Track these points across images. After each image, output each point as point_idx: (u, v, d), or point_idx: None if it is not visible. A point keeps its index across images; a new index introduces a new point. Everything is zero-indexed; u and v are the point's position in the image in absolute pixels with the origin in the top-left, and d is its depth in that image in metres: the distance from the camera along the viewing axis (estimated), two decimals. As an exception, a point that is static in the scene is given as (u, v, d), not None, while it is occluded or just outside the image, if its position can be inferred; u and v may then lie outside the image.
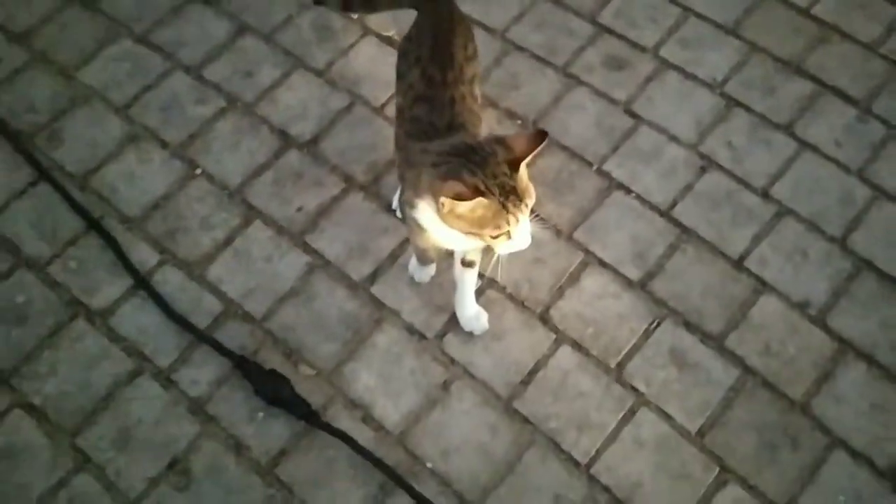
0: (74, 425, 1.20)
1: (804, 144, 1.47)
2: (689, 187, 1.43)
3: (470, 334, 1.27)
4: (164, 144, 1.47)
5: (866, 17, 1.63)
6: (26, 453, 1.18)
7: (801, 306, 1.30)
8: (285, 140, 1.47)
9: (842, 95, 1.53)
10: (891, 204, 1.40)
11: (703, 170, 1.45)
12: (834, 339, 1.28)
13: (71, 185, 1.41)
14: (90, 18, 1.62)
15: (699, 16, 1.64)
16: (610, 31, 1.62)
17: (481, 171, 0.96)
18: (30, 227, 1.37)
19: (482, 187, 0.95)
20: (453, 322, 1.29)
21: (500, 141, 1.00)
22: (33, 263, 1.34)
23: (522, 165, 0.98)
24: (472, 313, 1.27)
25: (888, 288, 1.32)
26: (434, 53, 1.15)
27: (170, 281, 1.32)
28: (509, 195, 0.96)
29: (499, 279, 1.31)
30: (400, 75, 1.21)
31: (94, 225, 1.36)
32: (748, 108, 1.52)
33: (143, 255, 1.35)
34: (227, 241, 1.36)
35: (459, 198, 0.94)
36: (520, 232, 0.99)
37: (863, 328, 1.28)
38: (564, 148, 1.47)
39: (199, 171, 1.44)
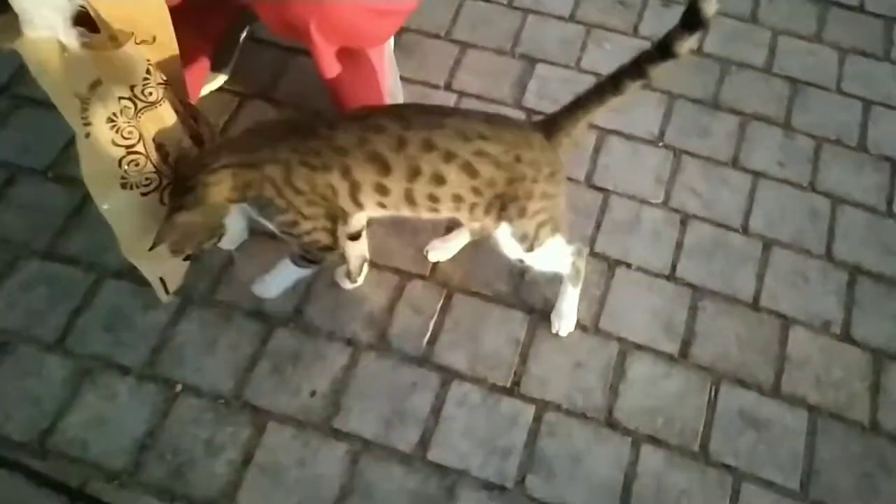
0: None
1: (755, 174, 1.55)
2: (679, 245, 1.44)
3: (549, 471, 1.17)
4: (124, 370, 1.24)
5: (750, 45, 1.76)
6: None
7: (825, 328, 1.35)
8: (265, 321, 1.30)
9: (763, 119, 1.63)
10: (850, 207, 1.50)
11: (682, 224, 1.47)
12: (865, 350, 1.32)
13: (27, 457, 1.15)
14: (-26, 248, 1.36)
15: (611, 78, 1.69)
16: (540, 113, 1.62)
17: None
18: (-9, 528, 1.10)
19: None
20: (526, 461, 1.18)
21: None
22: (11, 572, 1.07)
23: None
24: None
25: (885, 286, 1.39)
26: None
27: (197, 531, 1.10)
28: None
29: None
30: None
31: (77, 497, 1.11)
32: (693, 154, 1.57)
33: (152, 512, 1.12)
34: (246, 460, 1.17)
35: None
36: None
37: (883, 331, 1.34)
38: (550, 241, 1.43)
39: (179, 387, 1.23)
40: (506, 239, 1.16)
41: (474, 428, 1.21)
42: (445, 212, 1.14)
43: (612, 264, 1.41)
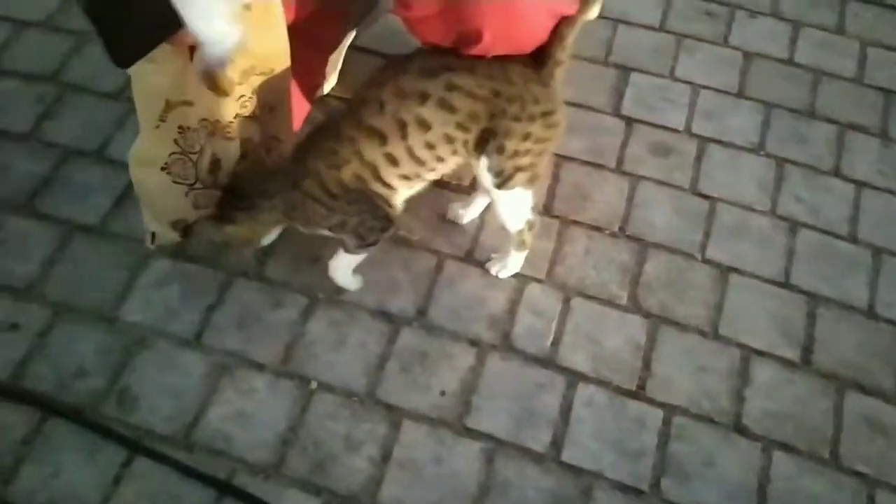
0: None
1: (857, 183, 1.56)
2: (790, 252, 1.46)
3: (683, 474, 1.19)
4: (259, 367, 1.27)
5: (838, 55, 1.79)
6: None
7: (942, 336, 1.36)
8: (390, 321, 1.33)
9: (859, 129, 1.65)
10: (957, 219, 1.51)
11: (792, 231, 1.49)
12: (983, 358, 1.34)
13: (173, 449, 1.18)
14: (105, 247, 1.39)
15: (705, 87, 1.72)
16: (638, 121, 1.65)
17: None
18: (145, 517, 1.12)
19: None
20: (659, 464, 1.20)
21: None
22: (166, 561, 1.09)
23: None
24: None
25: None
26: None
27: (343, 525, 1.13)
28: None
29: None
30: None
31: (224, 488, 1.13)
32: (794, 162, 1.59)
33: (298, 505, 1.14)
34: (385, 456, 1.19)
35: None
36: None
37: None
38: (660, 245, 1.45)
39: (314, 384, 1.26)
40: (482, 170, 1.18)
41: (604, 430, 1.23)
42: (449, 157, 1.15)
43: (725, 270, 1.43)
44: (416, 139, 1.11)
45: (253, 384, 1.25)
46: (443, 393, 1.26)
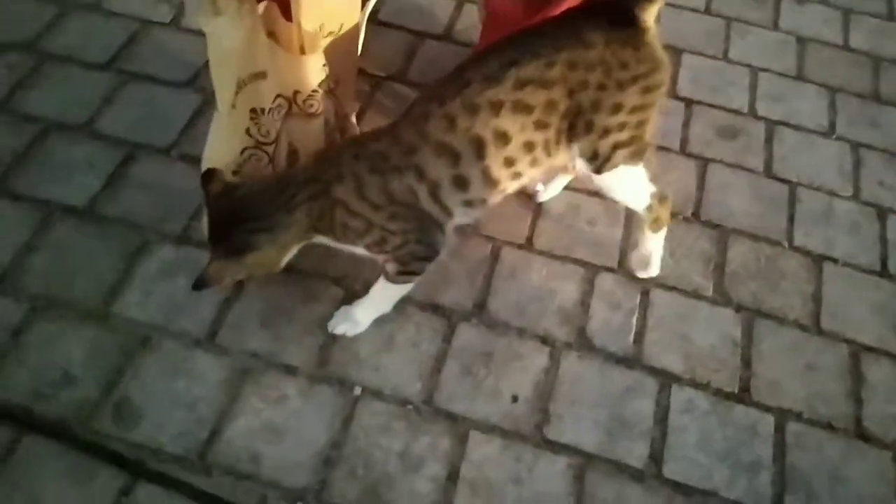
0: None
1: (941, 166, 1.42)
2: (882, 238, 1.30)
3: (809, 490, 0.99)
4: (290, 370, 1.04)
5: (893, 41, 1.67)
6: None
7: None
8: (444, 315, 1.12)
9: (931, 113, 1.52)
10: None
11: (880, 217, 1.33)
12: None
13: (186, 472, 0.93)
14: (94, 232, 1.16)
15: (764, 70, 1.58)
16: (699, 102, 1.49)
17: None
18: (152, 561, 0.87)
19: None
20: (779, 479, 1.00)
21: None
22: None
23: None
24: None
25: None
26: None
27: (408, 564, 0.89)
28: None
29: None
30: None
31: (254, 522, 0.89)
32: (869, 147, 1.45)
33: (349, 540, 0.90)
34: (452, 476, 0.96)
35: None
36: None
37: None
38: (741, 232, 1.28)
39: (357, 390, 1.03)
40: (575, 159, 1.00)
41: (710, 439, 1.03)
42: (527, 170, 0.98)
43: (817, 259, 1.26)
44: (494, 157, 0.94)
45: (283, 391, 1.02)
46: (515, 399, 1.05)
